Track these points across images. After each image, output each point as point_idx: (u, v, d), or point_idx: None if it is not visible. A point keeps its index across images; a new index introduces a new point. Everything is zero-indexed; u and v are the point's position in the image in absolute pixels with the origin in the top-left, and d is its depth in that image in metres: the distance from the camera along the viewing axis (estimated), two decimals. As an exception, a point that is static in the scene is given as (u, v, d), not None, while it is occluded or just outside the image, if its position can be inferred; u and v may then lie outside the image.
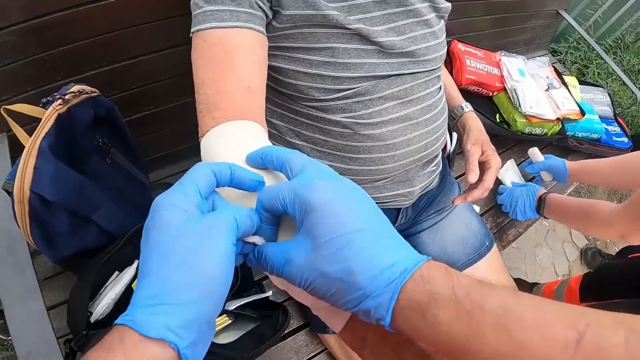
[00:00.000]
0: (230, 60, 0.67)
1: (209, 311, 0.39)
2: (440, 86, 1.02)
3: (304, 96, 0.87)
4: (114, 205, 1.00)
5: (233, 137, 0.61)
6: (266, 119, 0.95)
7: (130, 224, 1.00)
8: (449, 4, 0.97)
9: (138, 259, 0.98)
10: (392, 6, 0.86)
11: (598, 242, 2.84)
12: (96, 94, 0.96)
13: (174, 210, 0.40)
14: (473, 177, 1.05)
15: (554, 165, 1.59)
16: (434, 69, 0.96)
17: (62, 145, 0.87)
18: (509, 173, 1.77)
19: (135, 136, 1.23)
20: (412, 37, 0.89)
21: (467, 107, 1.21)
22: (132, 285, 0.96)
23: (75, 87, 0.91)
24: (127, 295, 0.95)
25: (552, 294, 1.92)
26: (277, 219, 0.48)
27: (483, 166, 1.10)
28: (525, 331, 0.34)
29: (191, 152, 1.42)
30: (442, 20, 0.98)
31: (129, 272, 0.97)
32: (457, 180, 1.58)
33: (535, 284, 2.10)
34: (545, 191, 1.44)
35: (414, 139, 0.94)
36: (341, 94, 0.86)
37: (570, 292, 1.82)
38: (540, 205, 1.46)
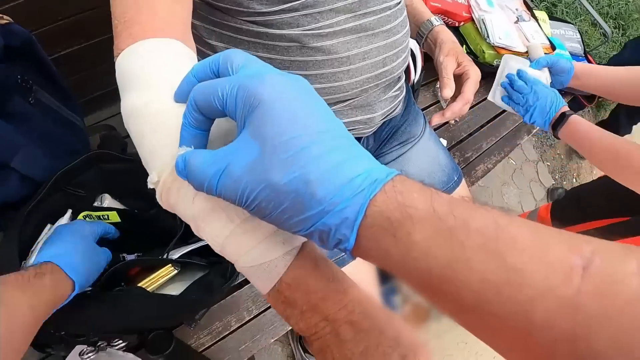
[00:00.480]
0: None
1: None
2: (400, 1, 0.92)
3: (244, 9, 0.76)
4: (39, 149, 0.89)
5: (155, 56, 0.51)
6: (203, 39, 0.85)
7: (60, 168, 0.89)
8: None
9: (70, 207, 0.91)
10: None
11: (565, 182, 2.86)
12: (7, 21, 0.83)
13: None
14: (448, 92, 0.97)
15: (559, 62, 1.36)
16: None
17: None
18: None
19: (68, 74, 1.12)
20: None
21: (437, 20, 1.11)
22: None
23: (-22, 12, 0.78)
24: None
25: None
26: (210, 123, 0.41)
27: (460, 79, 1.02)
28: (521, 255, 0.28)
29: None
30: None
31: (63, 222, 0.88)
32: (423, 112, 1.52)
33: None
34: (568, 109, 1.23)
35: (371, 52, 0.85)
36: (286, 5, 0.75)
37: (542, 221, 1.80)
38: (559, 123, 1.22)
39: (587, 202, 1.69)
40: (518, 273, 0.28)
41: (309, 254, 0.42)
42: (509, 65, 1.39)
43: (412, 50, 1.34)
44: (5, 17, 0.84)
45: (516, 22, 1.84)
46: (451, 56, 1.02)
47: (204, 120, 0.40)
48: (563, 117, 1.21)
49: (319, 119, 0.35)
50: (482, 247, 0.29)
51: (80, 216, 0.91)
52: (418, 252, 0.30)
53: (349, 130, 0.93)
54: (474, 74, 1.01)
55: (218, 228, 0.41)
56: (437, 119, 1.01)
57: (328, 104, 0.85)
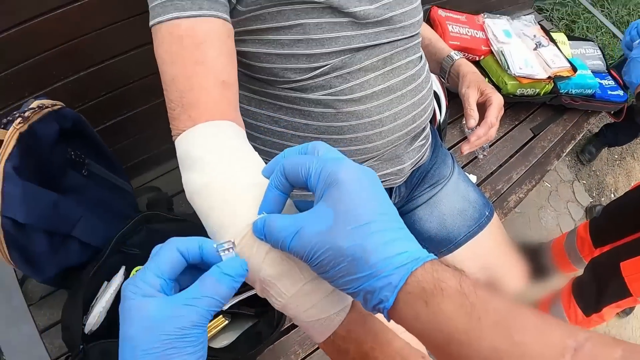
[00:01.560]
0: (201, 52, 0.63)
1: None
2: (421, 55, 0.97)
3: (280, 79, 0.83)
4: (95, 217, 0.98)
5: (214, 139, 0.59)
6: (243, 107, 0.91)
7: (115, 233, 0.98)
8: None
9: (125, 265, 0.98)
10: None
11: (603, 199, 2.81)
12: (59, 106, 0.92)
13: (136, 298, 0.41)
14: (472, 122, 0.99)
15: None
16: (412, 36, 0.91)
17: (29, 165, 0.85)
18: None
19: (113, 143, 1.20)
20: (386, 3, 0.83)
21: (457, 54, 1.14)
22: None
23: (35, 103, 0.87)
24: (117, 302, 0.93)
25: (562, 249, 1.88)
26: (291, 189, 0.48)
27: (484, 106, 1.03)
28: (526, 333, 0.35)
29: (173, 152, 1.37)
30: None
31: (117, 279, 0.96)
32: (451, 151, 1.55)
33: (541, 244, 2.07)
34: None
35: (401, 112, 0.90)
36: (318, 71, 0.81)
37: (582, 242, 1.78)
38: None
39: (622, 216, 1.67)
40: (521, 347, 0.34)
41: (359, 311, 0.51)
42: None
43: (435, 92, 1.39)
44: (57, 102, 0.92)
45: (535, 49, 1.86)
46: (473, 87, 1.04)
47: (287, 186, 0.47)
48: None
49: (381, 203, 0.43)
50: (496, 323, 0.35)
51: (134, 271, 0.98)
52: (443, 318, 0.37)
53: (382, 182, 0.98)
54: (497, 100, 1.02)
55: (284, 289, 0.49)
56: (466, 148, 1.02)
57: (360, 161, 0.91)
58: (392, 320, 0.42)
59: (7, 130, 0.82)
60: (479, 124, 1.01)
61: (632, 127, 2.34)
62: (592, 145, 2.83)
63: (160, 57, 0.64)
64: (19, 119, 0.83)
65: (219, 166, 0.56)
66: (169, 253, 0.44)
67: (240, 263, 0.45)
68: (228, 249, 0.46)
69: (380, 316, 0.46)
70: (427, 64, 1.00)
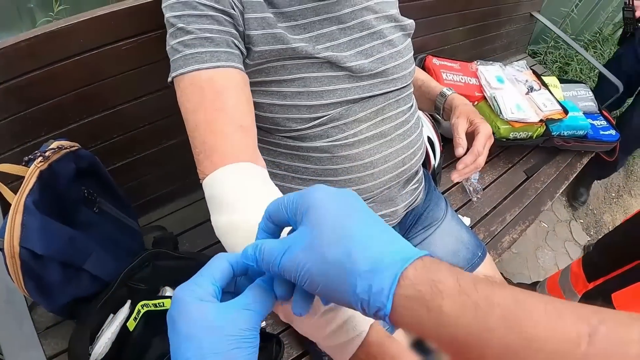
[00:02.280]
0: (221, 100, 0.70)
1: None
2: (412, 105, 1.04)
3: (281, 128, 0.89)
4: (105, 252, 1.02)
5: (236, 182, 0.65)
6: None
7: (122, 267, 1.03)
8: (412, 21, 1.00)
9: (131, 299, 1.03)
10: (357, 31, 0.89)
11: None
12: (76, 147, 0.98)
13: (193, 302, 0.43)
14: (460, 150, 1.01)
15: None
16: (404, 87, 0.99)
17: (47, 200, 0.90)
18: None
19: (123, 183, 1.25)
20: (380, 58, 0.91)
21: (449, 90, 1.18)
22: (127, 324, 1.00)
23: (55, 144, 0.93)
24: (121, 335, 0.99)
25: (556, 285, 1.91)
26: (279, 231, 0.50)
27: (472, 135, 1.05)
28: (537, 325, 0.33)
29: (178, 193, 1.45)
30: (408, 38, 1.01)
31: (122, 312, 1.01)
32: (445, 194, 1.60)
33: (536, 283, 2.09)
34: None
35: (390, 155, 0.96)
36: (317, 121, 0.88)
37: (576, 277, 1.80)
38: None
39: (614, 250, 1.71)
40: (533, 341, 0.32)
41: (378, 333, 0.56)
42: None
43: (429, 138, 1.45)
44: (75, 144, 0.98)
45: (527, 93, 1.93)
46: (462, 117, 1.07)
47: (273, 227, 0.49)
48: None
49: (359, 210, 0.44)
50: (503, 318, 0.34)
51: (139, 306, 1.02)
52: (448, 321, 0.36)
53: None
54: (484, 129, 1.04)
55: (307, 316, 0.51)
56: (455, 176, 1.02)
57: None
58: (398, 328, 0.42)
59: (29, 167, 0.89)
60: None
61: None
62: (582, 186, 2.87)
63: (183, 105, 0.71)
64: (40, 158, 0.89)
65: (242, 208, 0.62)
66: (221, 263, 0.47)
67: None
68: None
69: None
70: (417, 112, 1.06)
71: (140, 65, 1.09)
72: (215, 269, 0.47)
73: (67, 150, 0.95)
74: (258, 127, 0.93)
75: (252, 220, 0.57)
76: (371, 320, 0.57)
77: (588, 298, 1.58)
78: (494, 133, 1.78)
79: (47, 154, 0.90)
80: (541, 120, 1.85)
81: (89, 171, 1.03)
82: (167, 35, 0.75)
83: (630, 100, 2.73)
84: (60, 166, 0.93)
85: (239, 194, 0.64)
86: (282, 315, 0.57)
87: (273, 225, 0.49)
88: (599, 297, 1.49)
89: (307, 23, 0.84)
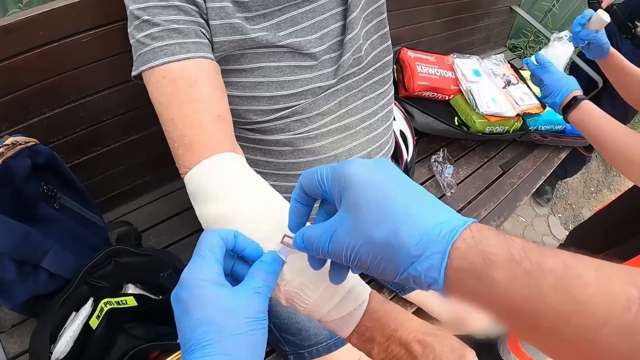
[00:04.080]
0: (196, 91, 0.68)
1: None
2: (383, 91, 1.01)
3: (242, 120, 0.88)
4: (65, 249, 1.00)
5: (224, 172, 0.65)
6: None
7: (84, 265, 1.01)
8: (383, 1, 0.97)
9: (93, 297, 1.01)
10: (319, 13, 0.86)
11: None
12: (33, 143, 0.96)
13: (208, 286, 0.47)
14: None
15: (601, 40, 1.34)
16: (369, 73, 0.96)
17: (2, 197, 0.89)
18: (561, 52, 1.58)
19: (87, 177, 1.23)
20: (344, 40, 0.88)
21: None
22: (90, 322, 0.99)
23: (9, 140, 0.91)
24: (84, 333, 0.97)
25: None
26: (312, 202, 0.52)
27: None
28: (586, 290, 0.33)
29: (144, 188, 1.43)
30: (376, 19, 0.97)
31: (85, 310, 0.99)
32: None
33: None
34: (581, 94, 1.25)
35: (355, 148, 0.94)
36: (278, 114, 0.86)
37: None
38: (570, 107, 1.23)
39: (586, 240, 1.71)
40: (585, 306, 0.33)
41: (378, 299, 0.58)
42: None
43: (402, 132, 1.44)
44: (31, 139, 0.96)
45: (505, 87, 1.93)
46: None
47: (306, 198, 0.51)
48: (575, 102, 1.22)
49: (398, 183, 0.43)
50: (554, 285, 0.34)
51: (101, 303, 1.01)
52: (500, 291, 0.36)
53: None
54: None
55: (306, 296, 0.55)
56: None
57: None
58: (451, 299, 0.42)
59: (-19, 164, 0.86)
60: None
61: (579, 156, 2.39)
62: (547, 184, 2.87)
63: (157, 100, 0.69)
64: (-7, 155, 0.86)
65: (231, 197, 0.62)
66: (216, 239, 0.50)
67: (277, 257, 0.53)
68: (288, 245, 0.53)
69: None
70: (390, 104, 1.04)
71: (102, 57, 1.06)
72: (215, 248, 0.50)
73: (23, 146, 0.93)
74: None
75: (250, 211, 0.60)
76: (369, 289, 0.59)
77: None
78: (469, 127, 1.80)
79: (0, 150, 0.88)
80: (518, 115, 1.85)
81: (47, 167, 1.00)
82: (131, 28, 0.73)
83: None
84: (15, 162, 0.91)
85: (229, 184, 0.63)
86: (282, 299, 0.57)
87: (306, 196, 0.51)
88: None
89: (267, 12, 0.82)
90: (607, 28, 1.34)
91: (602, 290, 0.33)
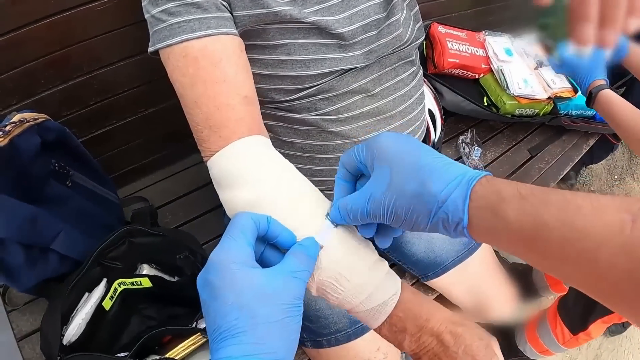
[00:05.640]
0: (221, 71, 0.64)
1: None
2: (414, 71, 0.95)
3: (265, 99, 0.82)
4: (76, 229, 0.97)
5: (251, 156, 0.62)
6: None
7: (96, 244, 0.98)
8: None
9: (107, 277, 0.98)
10: None
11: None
12: (42, 119, 0.92)
13: (240, 269, 0.45)
14: None
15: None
16: (401, 51, 0.89)
17: (8, 178, 0.85)
18: None
19: (102, 152, 1.20)
20: (375, 20, 0.82)
21: None
22: (103, 304, 0.97)
23: (16, 117, 0.87)
24: (97, 314, 0.95)
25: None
26: (354, 178, 0.56)
27: None
28: (584, 218, 0.37)
29: (161, 163, 1.40)
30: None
31: (98, 291, 0.97)
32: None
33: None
34: (603, 82, 1.23)
35: None
36: (303, 92, 0.81)
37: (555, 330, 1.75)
38: (590, 98, 1.23)
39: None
40: (584, 231, 0.37)
41: (410, 289, 0.58)
42: None
43: (430, 111, 1.37)
44: (41, 115, 0.92)
45: (536, 68, 1.84)
46: None
47: (348, 174, 0.55)
48: (592, 94, 1.21)
49: (420, 147, 0.49)
50: (557, 215, 0.38)
51: (115, 284, 0.98)
52: (513, 222, 0.41)
53: None
54: None
55: (340, 286, 0.54)
56: None
57: None
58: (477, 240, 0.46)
59: (-13, 143, 0.82)
60: None
61: (607, 142, 2.30)
62: (571, 169, 2.78)
63: (178, 81, 0.65)
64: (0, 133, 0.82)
65: (261, 182, 0.59)
66: (249, 222, 0.49)
67: (315, 242, 0.53)
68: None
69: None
70: (422, 84, 0.98)
71: (116, 27, 1.01)
72: (247, 230, 0.49)
73: (30, 123, 0.89)
74: None
75: (282, 197, 0.58)
76: (399, 279, 0.59)
77: None
78: (499, 108, 1.72)
79: (7, 128, 0.84)
80: (549, 98, 1.77)
81: (58, 143, 0.97)
82: (145, 2, 0.67)
83: None
84: (22, 140, 0.87)
85: (259, 169, 0.60)
86: (314, 289, 0.56)
87: (347, 172, 0.55)
88: None
89: None
90: None
91: (598, 217, 0.37)
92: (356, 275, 0.54)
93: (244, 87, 0.65)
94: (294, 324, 0.45)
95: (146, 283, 1.00)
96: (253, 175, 0.59)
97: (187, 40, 0.63)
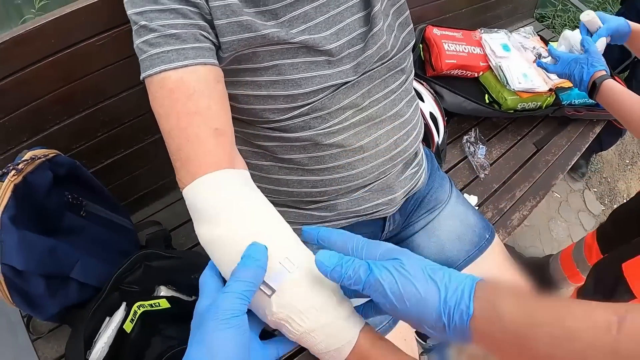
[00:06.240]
0: (193, 103, 0.65)
1: None
2: (404, 78, 0.96)
3: (259, 119, 0.84)
4: (94, 257, 1.01)
5: (214, 193, 0.63)
6: None
7: (114, 270, 1.01)
8: None
9: (126, 301, 1.01)
10: (333, 7, 0.81)
11: (615, 206, 2.75)
12: (53, 154, 0.95)
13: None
14: None
15: (618, 29, 1.32)
16: (390, 61, 0.90)
17: (26, 213, 0.88)
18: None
19: (113, 180, 1.23)
20: (361, 33, 0.84)
21: None
22: (124, 327, 0.99)
23: (28, 154, 0.90)
24: (119, 337, 0.98)
25: (570, 258, 1.85)
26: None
27: None
28: (575, 319, 0.41)
29: (172, 186, 1.42)
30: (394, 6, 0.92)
31: (118, 314, 0.99)
32: (450, 172, 1.54)
33: (549, 256, 2.03)
34: (603, 74, 1.24)
35: (381, 137, 0.90)
36: (297, 111, 0.82)
37: (589, 249, 1.74)
38: (594, 89, 1.24)
39: (628, 220, 1.64)
40: (573, 332, 0.40)
41: (369, 335, 0.58)
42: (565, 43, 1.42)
43: (432, 114, 1.38)
44: (51, 151, 0.95)
45: (535, 61, 1.84)
46: None
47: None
48: (594, 85, 1.22)
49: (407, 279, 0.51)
50: (549, 316, 0.42)
51: (135, 307, 1.00)
52: (509, 323, 0.44)
53: (374, 213, 0.98)
54: None
55: (296, 325, 0.56)
56: None
57: (349, 191, 0.92)
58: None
59: (2, 182, 0.86)
60: None
61: (614, 128, 2.28)
62: (581, 157, 2.77)
63: (156, 111, 0.67)
64: (13, 172, 0.86)
65: (221, 219, 0.61)
66: (212, 279, 0.58)
67: (261, 247, 0.56)
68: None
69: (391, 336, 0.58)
70: (411, 89, 0.99)
71: (117, 60, 1.04)
72: (212, 285, 0.58)
73: (42, 159, 0.92)
74: (237, 119, 0.87)
75: (236, 236, 0.60)
76: (360, 325, 0.59)
77: (598, 268, 1.51)
78: (500, 105, 1.73)
79: (20, 166, 0.87)
80: (550, 89, 1.78)
81: (70, 176, 1.00)
82: (133, 33, 0.69)
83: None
84: (36, 177, 0.90)
85: (219, 207, 0.62)
86: (271, 323, 0.58)
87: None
88: (610, 266, 1.44)
89: (278, 7, 0.77)
90: None
91: (587, 319, 0.40)
92: (308, 320, 0.56)
93: (216, 120, 0.67)
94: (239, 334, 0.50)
95: (164, 304, 1.02)
96: (215, 212, 0.62)
97: (164, 70, 0.65)
